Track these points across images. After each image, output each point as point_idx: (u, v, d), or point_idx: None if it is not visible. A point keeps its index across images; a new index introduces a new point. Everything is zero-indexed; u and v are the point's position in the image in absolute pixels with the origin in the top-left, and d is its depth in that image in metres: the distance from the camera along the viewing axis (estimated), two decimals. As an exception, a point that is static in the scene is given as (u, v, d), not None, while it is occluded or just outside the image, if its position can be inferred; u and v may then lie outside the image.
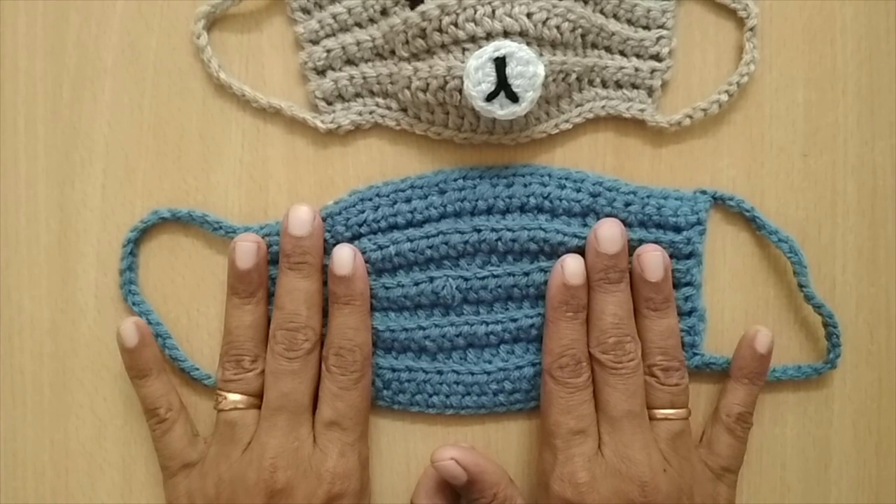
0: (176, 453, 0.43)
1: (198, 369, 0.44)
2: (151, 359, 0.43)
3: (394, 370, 0.44)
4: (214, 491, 0.41)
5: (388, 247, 0.43)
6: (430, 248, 0.43)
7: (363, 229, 0.43)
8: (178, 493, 0.42)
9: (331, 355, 0.42)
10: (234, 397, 0.42)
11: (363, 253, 0.43)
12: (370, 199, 0.44)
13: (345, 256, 0.42)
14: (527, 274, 0.43)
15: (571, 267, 0.42)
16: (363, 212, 0.44)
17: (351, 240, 0.43)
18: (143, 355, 0.43)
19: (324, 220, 0.43)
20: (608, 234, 0.42)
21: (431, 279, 0.43)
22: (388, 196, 0.44)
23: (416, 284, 0.43)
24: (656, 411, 0.42)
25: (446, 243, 0.43)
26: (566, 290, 0.42)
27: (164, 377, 0.44)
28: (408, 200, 0.44)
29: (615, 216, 0.43)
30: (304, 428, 0.41)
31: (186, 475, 0.43)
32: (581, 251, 0.43)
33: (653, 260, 0.42)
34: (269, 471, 0.40)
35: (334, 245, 0.43)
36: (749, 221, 0.45)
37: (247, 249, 0.42)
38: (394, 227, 0.43)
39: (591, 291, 0.42)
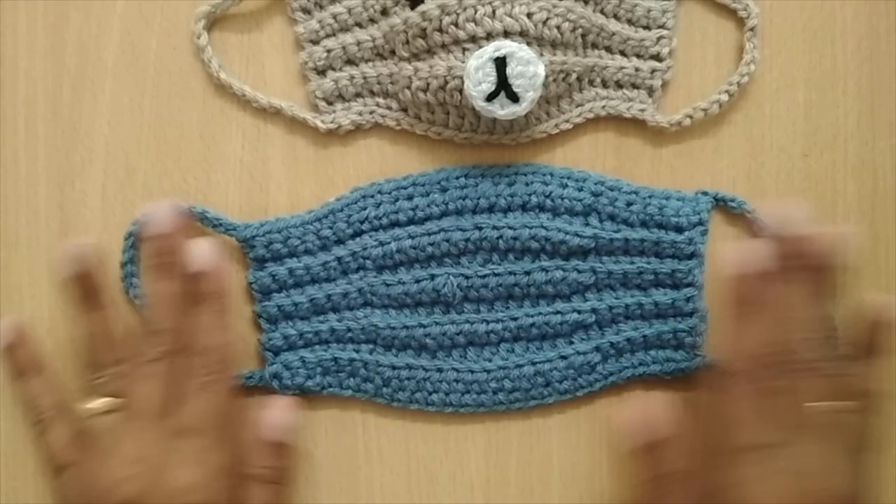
0: (52, 456, 0.42)
1: None
2: (28, 358, 0.43)
3: (393, 367, 0.44)
4: (78, 500, 0.40)
5: (389, 243, 0.43)
6: (432, 245, 0.43)
7: (365, 226, 0.43)
8: (56, 497, 0.42)
9: (189, 356, 0.40)
10: (92, 403, 0.41)
11: (364, 249, 0.43)
12: (372, 196, 0.44)
13: (198, 252, 0.40)
14: (528, 273, 0.43)
15: None
16: (365, 208, 0.44)
17: (353, 236, 0.44)
18: (16, 355, 0.43)
19: (325, 216, 0.44)
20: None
21: (432, 276, 0.43)
22: (390, 193, 0.44)
23: (417, 282, 0.43)
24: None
25: (448, 241, 0.43)
26: None
27: (45, 377, 0.43)
28: (410, 198, 0.44)
29: (617, 215, 0.43)
30: (158, 433, 0.39)
31: (61, 479, 0.42)
32: (582, 250, 0.43)
33: None
34: (122, 480, 0.38)
35: (335, 241, 0.44)
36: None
37: (81, 255, 0.42)
38: (395, 223, 0.43)
39: None
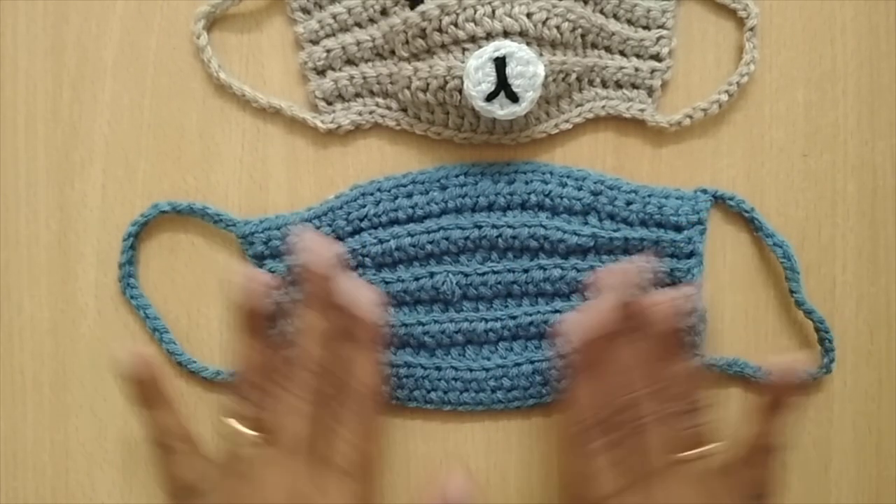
0: (182, 487, 0.40)
1: (195, 362, 0.44)
2: (158, 388, 0.40)
3: (392, 365, 0.44)
4: None
5: (388, 241, 0.43)
6: (431, 243, 0.43)
7: (364, 224, 0.44)
8: None
9: (340, 393, 0.40)
10: (244, 431, 0.39)
11: (363, 247, 0.43)
12: (371, 194, 0.44)
13: (364, 298, 0.40)
14: (526, 271, 0.43)
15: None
16: (364, 206, 0.44)
17: (352, 234, 0.44)
18: (147, 385, 0.40)
19: (325, 213, 0.44)
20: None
21: (431, 274, 0.43)
22: (389, 191, 0.44)
23: (416, 279, 0.43)
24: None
25: (447, 239, 0.43)
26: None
27: (173, 407, 0.41)
28: (409, 195, 0.44)
29: (616, 214, 0.43)
30: (307, 466, 0.39)
31: None
32: (581, 249, 0.43)
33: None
34: None
35: (334, 239, 0.43)
36: (748, 222, 0.45)
37: (254, 291, 0.40)
38: (394, 221, 0.43)
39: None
